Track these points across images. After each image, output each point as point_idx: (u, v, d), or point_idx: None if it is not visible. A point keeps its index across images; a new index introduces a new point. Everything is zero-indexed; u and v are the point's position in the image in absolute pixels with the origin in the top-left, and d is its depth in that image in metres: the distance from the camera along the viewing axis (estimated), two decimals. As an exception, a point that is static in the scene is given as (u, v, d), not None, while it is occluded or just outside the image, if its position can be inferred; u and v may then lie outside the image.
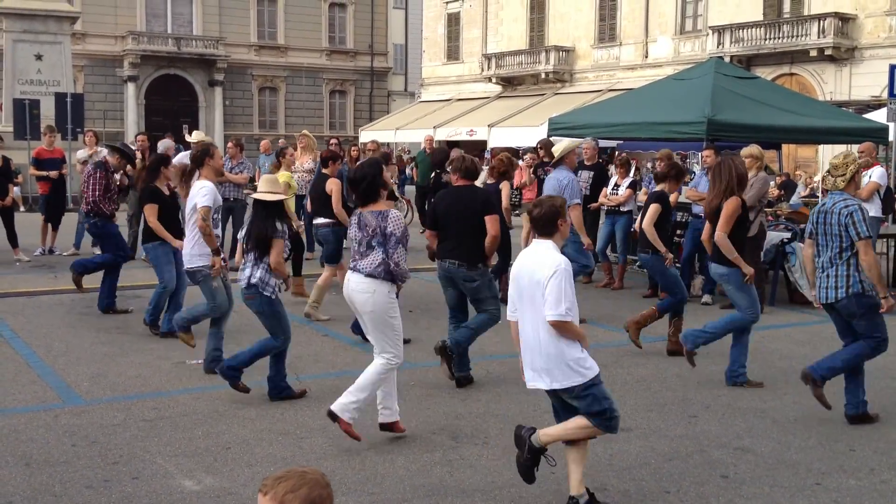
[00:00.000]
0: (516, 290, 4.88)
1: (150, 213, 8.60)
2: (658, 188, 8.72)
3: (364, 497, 5.01)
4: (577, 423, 4.84)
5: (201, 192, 7.48)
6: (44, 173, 14.38)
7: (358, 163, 10.74)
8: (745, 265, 7.28)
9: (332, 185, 9.65)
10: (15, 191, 15.17)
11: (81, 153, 14.56)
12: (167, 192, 8.83)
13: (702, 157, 11.58)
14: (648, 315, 8.47)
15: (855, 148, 26.42)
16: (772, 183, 13.38)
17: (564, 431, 4.87)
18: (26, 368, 7.63)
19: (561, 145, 10.13)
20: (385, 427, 5.95)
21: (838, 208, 6.36)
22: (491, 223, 7.14)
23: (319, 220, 9.85)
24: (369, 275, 5.70)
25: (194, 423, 6.24)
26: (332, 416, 5.70)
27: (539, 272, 4.69)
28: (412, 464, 5.52)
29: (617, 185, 12.37)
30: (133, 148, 12.34)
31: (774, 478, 5.42)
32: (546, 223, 4.81)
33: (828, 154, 27.09)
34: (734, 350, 7.46)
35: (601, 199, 12.37)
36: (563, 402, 4.92)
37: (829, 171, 6.64)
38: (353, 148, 16.30)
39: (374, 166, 6.05)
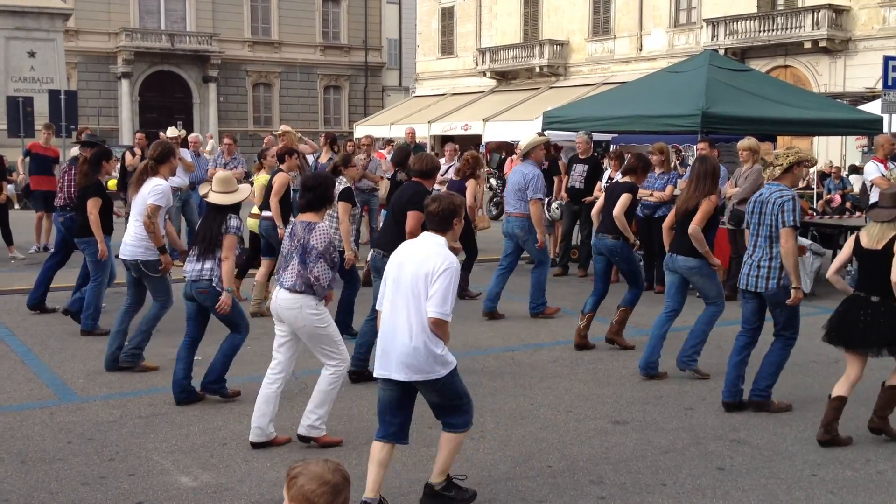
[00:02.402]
0: (393, 281, 4.72)
1: (94, 206, 8.45)
2: (626, 180, 8.70)
3: (360, 492, 5.00)
4: (448, 443, 4.81)
5: (155, 191, 7.34)
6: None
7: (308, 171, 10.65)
8: (713, 257, 7.44)
9: (277, 179, 9.49)
10: (9, 188, 15.15)
11: (75, 150, 14.50)
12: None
13: (697, 150, 11.58)
14: (622, 318, 8.52)
15: (850, 139, 26.25)
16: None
17: (447, 457, 4.82)
18: (21, 366, 7.61)
19: (526, 140, 10.12)
20: (259, 446, 5.75)
21: (773, 198, 6.45)
22: (410, 218, 7.06)
23: (265, 213, 9.65)
24: (290, 289, 5.56)
25: (190, 419, 6.24)
26: (304, 439, 5.69)
27: (426, 265, 4.58)
28: (409, 458, 5.52)
29: (611, 179, 12.35)
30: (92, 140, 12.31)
31: (771, 469, 5.43)
32: (442, 220, 4.72)
33: (823, 146, 27.14)
34: (692, 335, 7.51)
35: (596, 192, 12.36)
36: (401, 398, 4.74)
37: (770, 163, 6.74)
38: (348, 143, 16.26)
39: (328, 178, 6.05)
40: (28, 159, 14.69)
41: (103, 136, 34.31)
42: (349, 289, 8.72)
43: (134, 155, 13.22)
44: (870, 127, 13.96)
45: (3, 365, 7.62)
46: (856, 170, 22.47)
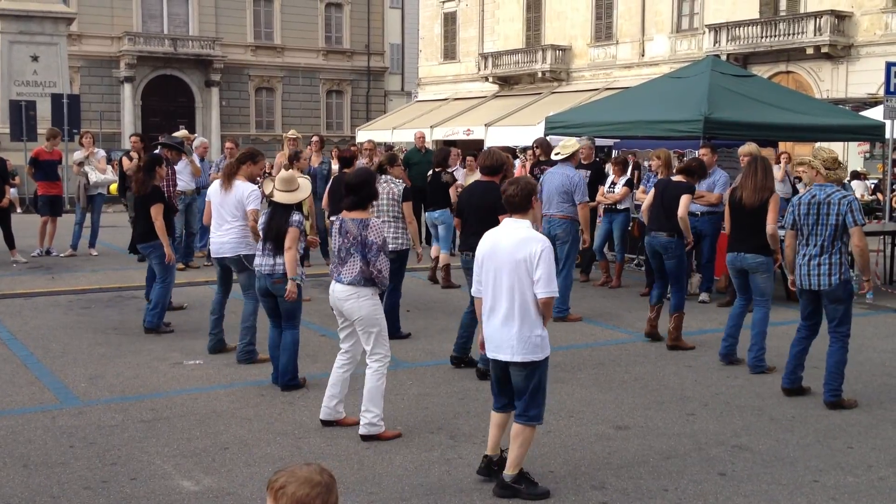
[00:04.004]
0: (487, 268, 5.07)
1: (158, 213, 8.84)
2: (681, 179, 8.98)
3: (363, 497, 5.01)
4: (520, 436, 5.05)
5: (252, 195, 7.84)
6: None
7: (355, 168, 10.80)
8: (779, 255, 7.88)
9: None
10: (12, 192, 15.15)
11: (78, 154, 14.52)
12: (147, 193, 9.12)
13: (698, 155, 11.58)
14: (677, 324, 8.67)
15: (853, 145, 26.22)
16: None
17: (519, 450, 5.06)
18: (23, 370, 7.62)
19: (571, 142, 10.28)
20: (328, 423, 6.16)
21: (836, 198, 6.72)
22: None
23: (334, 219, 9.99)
24: (350, 283, 5.87)
25: (192, 423, 6.24)
26: (367, 437, 5.89)
27: (523, 250, 4.90)
28: (410, 463, 5.53)
29: (614, 184, 12.38)
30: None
31: (772, 475, 5.43)
32: (523, 199, 5.05)
33: (824, 152, 27.07)
34: (754, 342, 7.88)
35: (598, 197, 12.38)
36: (507, 375, 5.11)
37: (828, 167, 6.89)
38: (351, 147, 16.27)
39: (371, 175, 6.30)
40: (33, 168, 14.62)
41: (105, 140, 34.40)
42: (393, 295, 8.81)
43: (131, 159, 13.21)
44: (872, 133, 13.96)
45: (6, 369, 7.63)
46: (857, 176, 22.47)
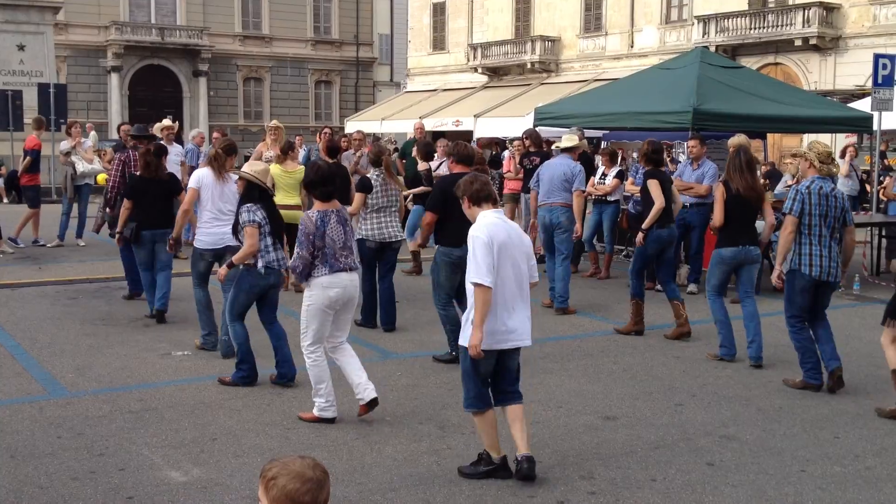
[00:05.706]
0: (503, 258, 4.98)
1: (126, 206, 8.96)
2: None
3: (352, 487, 5.02)
4: (524, 414, 5.26)
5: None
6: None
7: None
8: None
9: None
10: (-2, 182, 15.06)
11: (65, 144, 14.43)
12: (165, 179, 9.11)
13: (687, 146, 11.59)
14: (678, 311, 8.66)
15: (840, 137, 26.37)
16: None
17: (529, 428, 5.30)
18: (11, 360, 7.58)
19: (569, 136, 10.43)
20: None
21: (838, 194, 6.89)
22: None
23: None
24: (354, 269, 6.13)
25: (180, 414, 6.23)
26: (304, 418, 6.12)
27: (526, 239, 5.16)
28: (399, 454, 5.53)
29: (604, 175, 12.39)
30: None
31: (760, 465, 5.46)
32: (492, 191, 5.26)
33: (812, 143, 27.16)
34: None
35: (588, 188, 12.37)
36: (495, 370, 5.22)
37: (822, 161, 6.94)
38: (342, 139, 16.22)
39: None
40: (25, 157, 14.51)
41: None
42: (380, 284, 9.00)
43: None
44: (860, 124, 14.02)
45: (-8, 359, 7.59)
46: (846, 167, 22.52)
